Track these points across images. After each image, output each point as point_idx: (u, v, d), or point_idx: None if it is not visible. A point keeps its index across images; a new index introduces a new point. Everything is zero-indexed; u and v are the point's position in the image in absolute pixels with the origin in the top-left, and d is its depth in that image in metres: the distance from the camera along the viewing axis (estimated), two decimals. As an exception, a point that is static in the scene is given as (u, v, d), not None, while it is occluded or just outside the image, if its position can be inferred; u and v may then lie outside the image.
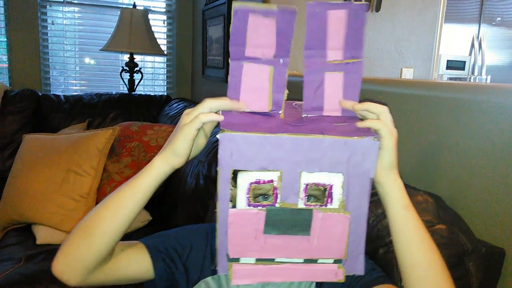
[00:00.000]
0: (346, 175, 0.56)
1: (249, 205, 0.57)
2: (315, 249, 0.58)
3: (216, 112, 0.59)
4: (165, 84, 3.00)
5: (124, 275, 0.67)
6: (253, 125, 0.57)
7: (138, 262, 0.68)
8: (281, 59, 0.60)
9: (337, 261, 0.59)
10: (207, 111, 0.58)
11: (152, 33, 2.57)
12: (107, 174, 1.75)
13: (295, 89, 0.66)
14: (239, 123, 0.57)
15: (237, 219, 0.57)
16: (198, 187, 1.46)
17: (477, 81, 2.97)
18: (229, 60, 0.59)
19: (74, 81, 2.82)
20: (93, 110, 2.36)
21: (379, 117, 0.58)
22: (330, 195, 0.57)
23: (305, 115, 0.63)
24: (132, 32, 2.46)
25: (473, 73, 3.23)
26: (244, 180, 0.56)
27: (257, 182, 0.56)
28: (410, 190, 0.78)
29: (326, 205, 0.58)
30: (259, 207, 0.57)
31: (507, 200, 0.80)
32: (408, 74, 2.14)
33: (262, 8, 0.57)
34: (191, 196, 1.49)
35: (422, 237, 0.59)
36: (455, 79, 3.20)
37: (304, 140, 0.55)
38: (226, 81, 2.15)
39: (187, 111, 0.61)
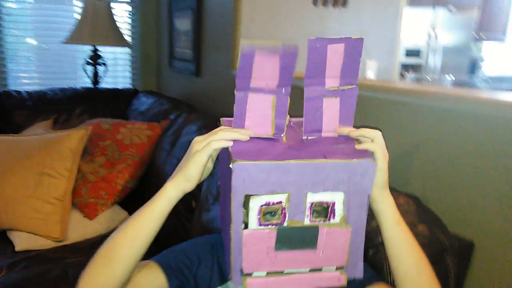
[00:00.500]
0: (347, 193, 0.62)
1: (259, 225, 0.62)
2: (320, 260, 0.65)
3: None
4: (130, 76, 2.94)
5: None
6: (261, 152, 0.62)
7: (154, 281, 0.72)
8: (283, 89, 0.64)
9: (339, 268, 0.66)
10: (218, 139, 0.62)
11: (115, 24, 2.50)
12: (81, 175, 1.73)
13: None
14: (248, 151, 0.61)
15: (251, 238, 0.62)
16: (179, 186, 1.48)
17: (438, 82, 3.11)
18: (235, 91, 0.63)
19: (33, 75, 2.71)
20: (58, 106, 2.29)
21: (373, 140, 0.64)
22: (333, 211, 0.63)
23: (306, 137, 0.68)
24: (96, 24, 2.39)
25: (428, 59, 3.42)
26: (256, 203, 0.61)
27: (267, 204, 0.61)
28: (391, 192, 0.85)
29: (329, 220, 0.64)
30: (270, 226, 0.62)
31: (474, 196, 0.90)
32: (371, 65, 2.23)
33: (267, 46, 0.60)
34: (172, 195, 1.50)
35: (412, 246, 0.67)
36: (413, 66, 3.36)
37: (309, 165, 0.60)
38: (197, 75, 2.17)
39: (197, 138, 0.65)
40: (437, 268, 0.69)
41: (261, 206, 0.61)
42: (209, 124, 1.60)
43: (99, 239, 1.60)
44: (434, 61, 3.41)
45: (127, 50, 2.87)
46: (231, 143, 0.62)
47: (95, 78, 2.57)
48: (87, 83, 2.63)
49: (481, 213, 0.88)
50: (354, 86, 0.66)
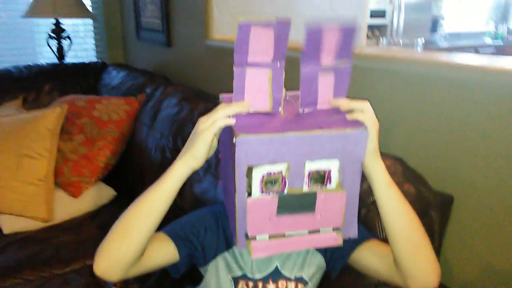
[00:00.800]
0: (342, 161, 0.68)
1: (261, 192, 0.67)
2: (318, 222, 0.70)
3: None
4: (94, 49, 2.84)
5: (155, 264, 0.76)
6: (261, 125, 0.66)
7: (165, 251, 0.77)
8: (278, 62, 0.67)
9: (335, 229, 0.72)
10: (222, 117, 0.66)
11: (77, -6, 2.40)
12: (61, 154, 1.71)
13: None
14: (249, 126, 0.65)
15: (255, 206, 0.67)
16: (165, 160, 1.50)
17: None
18: (234, 67, 0.66)
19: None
20: (25, 84, 2.20)
21: (363, 111, 0.69)
22: (329, 178, 0.69)
23: (302, 110, 0.72)
24: (56, -5, 2.28)
25: (392, 19, 3.49)
26: (258, 173, 0.66)
27: (269, 174, 0.66)
28: (379, 155, 0.91)
29: (326, 186, 0.69)
30: (272, 194, 0.67)
31: (452, 154, 0.97)
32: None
33: (262, 21, 0.63)
34: (158, 169, 1.53)
35: (403, 207, 0.72)
36: (378, 26, 3.43)
37: (307, 136, 0.65)
38: (168, 46, 2.14)
39: (202, 118, 0.69)
40: (423, 222, 0.76)
41: (263, 175, 0.66)
42: (189, 97, 1.61)
43: (87, 217, 1.62)
44: (398, 21, 3.49)
45: (89, 22, 2.76)
46: (234, 121, 0.66)
47: (60, 53, 2.48)
48: (49, 58, 2.53)
49: (459, 168, 0.96)
50: (348, 62, 0.69)
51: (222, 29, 1.80)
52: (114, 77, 2.25)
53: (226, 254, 0.82)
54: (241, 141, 0.62)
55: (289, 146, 0.64)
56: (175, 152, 1.47)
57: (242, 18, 0.62)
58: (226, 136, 0.70)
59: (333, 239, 0.72)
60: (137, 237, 0.69)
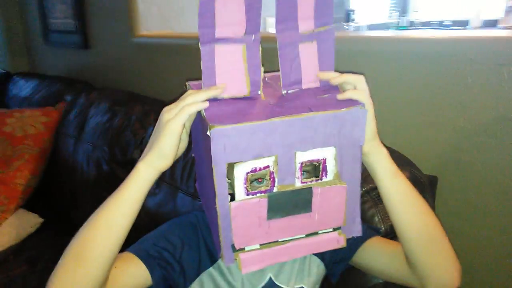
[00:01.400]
0: (338, 147, 0.57)
1: (247, 194, 0.55)
2: (317, 223, 0.59)
3: None
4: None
5: None
6: (240, 113, 0.54)
7: (134, 275, 0.63)
8: (252, 36, 0.56)
9: (336, 229, 0.61)
10: (191, 102, 0.54)
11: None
12: (-33, 182, 1.42)
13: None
14: (225, 115, 0.53)
15: (240, 211, 0.55)
16: (101, 174, 1.30)
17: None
18: (200, 45, 0.54)
19: None
20: None
21: (356, 87, 0.59)
22: (325, 169, 0.58)
23: (285, 91, 0.61)
24: None
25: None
26: (241, 171, 0.54)
27: (254, 171, 0.55)
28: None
29: (321, 179, 0.58)
30: (259, 194, 0.56)
31: (433, 134, 0.93)
32: (271, 21, 2.21)
33: None
34: (94, 185, 1.32)
35: (413, 199, 0.62)
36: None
37: (295, 121, 0.54)
38: (85, 47, 1.91)
39: (166, 108, 0.56)
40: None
41: (247, 173, 0.54)
42: (122, 100, 1.43)
43: (11, 252, 1.36)
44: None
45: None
46: (206, 104, 0.54)
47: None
48: None
49: (440, 148, 0.92)
50: (330, 27, 0.60)
51: (149, 24, 1.64)
52: (23, 87, 1.96)
53: (211, 270, 0.69)
54: (217, 133, 0.50)
55: (275, 135, 0.53)
56: (114, 163, 1.28)
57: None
58: (199, 130, 0.58)
59: (335, 241, 0.61)
60: (95, 261, 0.54)
